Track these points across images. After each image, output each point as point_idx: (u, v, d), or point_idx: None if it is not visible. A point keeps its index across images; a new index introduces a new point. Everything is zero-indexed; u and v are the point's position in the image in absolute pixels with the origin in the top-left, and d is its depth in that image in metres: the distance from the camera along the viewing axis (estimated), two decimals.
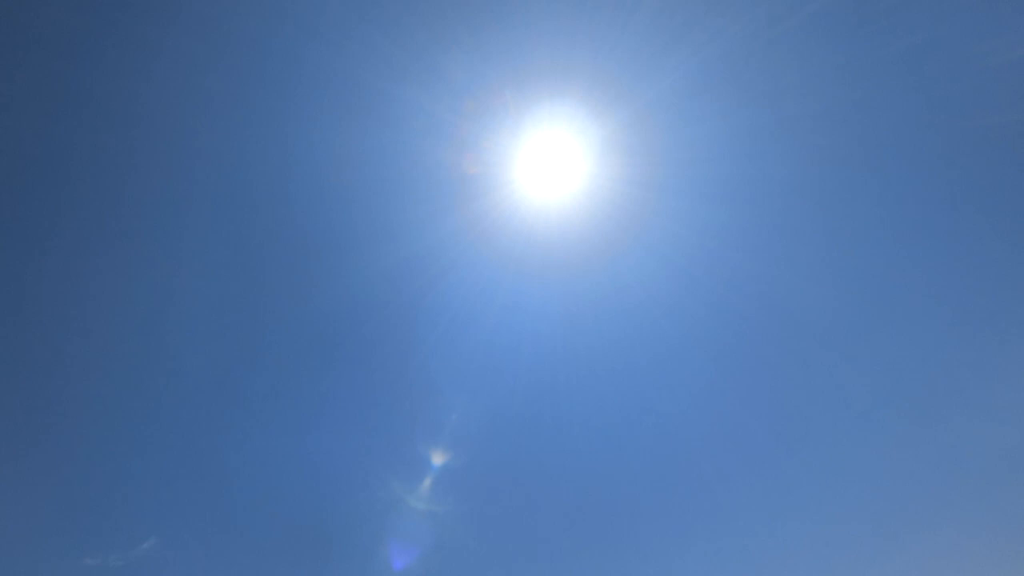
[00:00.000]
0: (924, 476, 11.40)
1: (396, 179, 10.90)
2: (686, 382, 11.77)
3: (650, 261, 10.94)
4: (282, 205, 11.37)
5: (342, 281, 11.47)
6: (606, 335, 11.64)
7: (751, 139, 10.28)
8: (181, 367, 11.78)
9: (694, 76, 9.87)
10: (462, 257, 11.14)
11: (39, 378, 11.38)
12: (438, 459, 11.82)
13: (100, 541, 11.56)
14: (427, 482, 11.85)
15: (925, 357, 11.13)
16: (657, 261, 10.93)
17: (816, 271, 10.97)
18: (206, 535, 11.80)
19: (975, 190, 10.46)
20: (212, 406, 11.97)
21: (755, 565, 11.73)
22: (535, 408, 12.10)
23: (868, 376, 11.34)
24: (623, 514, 12.17)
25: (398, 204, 11.03)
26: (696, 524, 12.11)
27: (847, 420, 11.51)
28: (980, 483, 11.25)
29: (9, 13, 9.97)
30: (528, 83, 10.01)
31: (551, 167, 10.65)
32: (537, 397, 12.04)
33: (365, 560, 11.76)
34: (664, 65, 9.84)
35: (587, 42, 9.84)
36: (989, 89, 9.79)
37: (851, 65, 9.82)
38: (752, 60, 9.73)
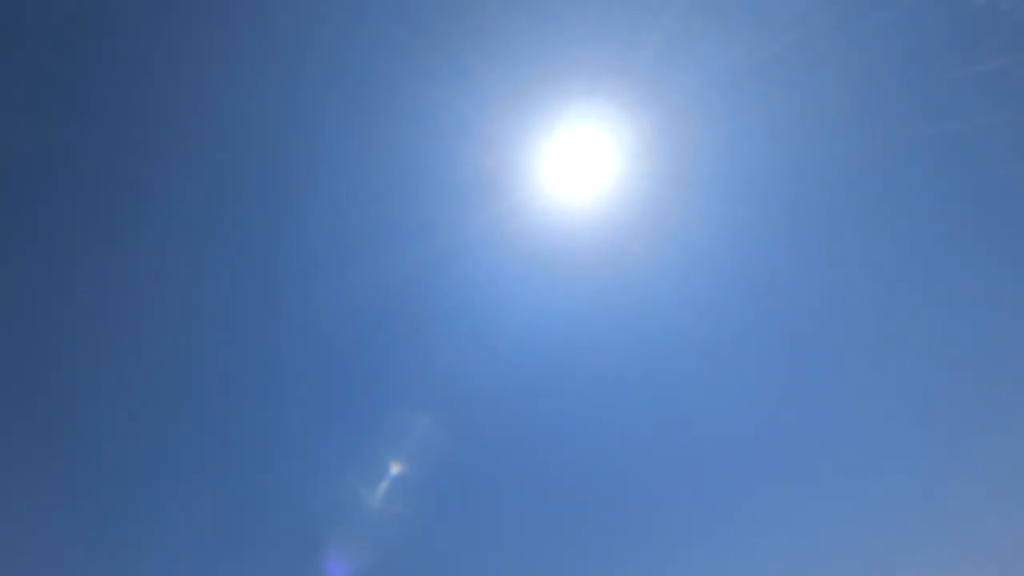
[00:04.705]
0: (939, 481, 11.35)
1: (422, 178, 10.83)
2: (712, 386, 11.68)
3: (678, 263, 10.85)
4: (298, 204, 11.33)
5: (358, 282, 11.40)
6: (627, 338, 11.54)
7: (782, 140, 10.17)
8: (180, 364, 11.78)
9: (724, 76, 9.79)
10: (484, 257, 11.09)
11: (33, 377, 11.45)
12: (438, 458, 11.82)
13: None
14: (432, 483, 11.85)
15: (943, 359, 11.08)
16: (685, 263, 10.84)
17: (850, 273, 10.89)
18: (212, 533, 11.84)
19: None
20: (215, 403, 12.00)
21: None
22: (555, 412, 12.08)
23: (906, 380, 11.26)
24: (628, 520, 12.16)
25: (423, 203, 10.96)
26: (697, 532, 12.09)
27: (879, 425, 11.44)
28: (990, 486, 11.19)
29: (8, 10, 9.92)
30: (556, 82, 9.93)
31: (579, 167, 10.51)
32: (557, 400, 12.02)
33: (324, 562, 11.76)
34: (693, 64, 9.76)
35: (616, 40, 9.76)
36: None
37: (889, 65, 9.73)
38: (783, 60, 9.65)
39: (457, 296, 11.41)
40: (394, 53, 9.97)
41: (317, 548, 11.72)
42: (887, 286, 10.97)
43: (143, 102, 10.58)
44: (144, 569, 11.68)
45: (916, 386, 11.27)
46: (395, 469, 11.77)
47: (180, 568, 11.74)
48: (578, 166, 10.52)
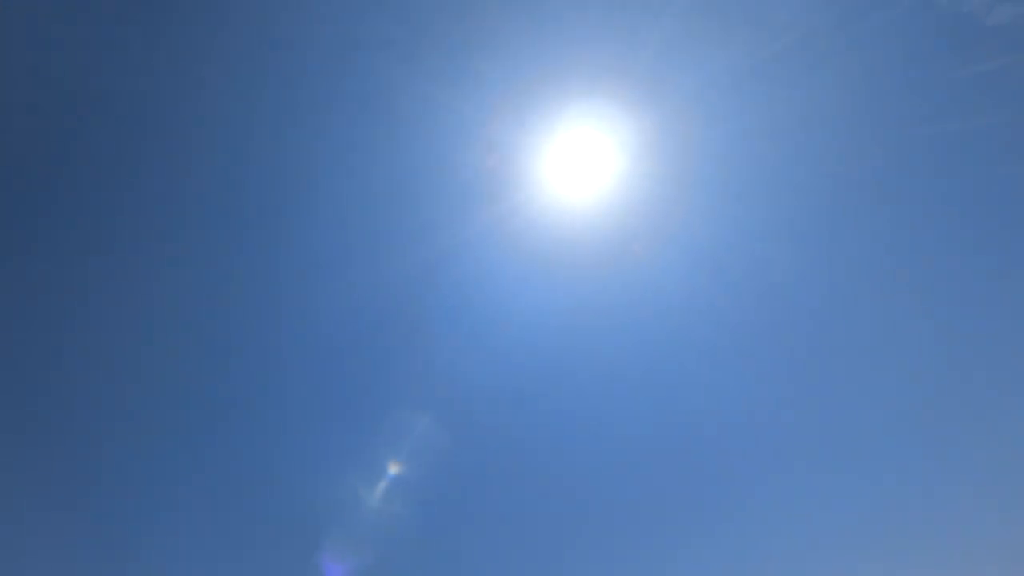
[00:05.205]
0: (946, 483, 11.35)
1: (423, 178, 10.84)
2: (712, 386, 11.68)
3: (678, 263, 10.85)
4: (298, 204, 11.32)
5: (358, 282, 11.39)
6: (627, 338, 11.55)
7: (782, 140, 10.18)
8: (181, 364, 11.76)
9: (724, 76, 9.81)
10: (484, 257, 11.10)
11: (33, 377, 11.43)
12: (438, 458, 11.81)
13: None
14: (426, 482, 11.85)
15: (942, 359, 11.10)
16: (685, 263, 10.83)
17: (850, 272, 10.91)
18: (212, 533, 11.82)
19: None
20: (216, 403, 11.99)
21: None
22: (555, 412, 12.06)
23: (906, 380, 11.27)
24: (628, 520, 12.13)
25: (424, 203, 10.97)
26: (697, 531, 12.06)
27: (879, 425, 11.44)
28: (989, 486, 11.20)
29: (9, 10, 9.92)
30: (556, 82, 9.95)
31: (579, 167, 10.52)
32: (557, 400, 12.00)
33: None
34: (693, 64, 9.78)
35: (616, 40, 9.78)
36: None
37: (889, 65, 9.74)
38: (783, 60, 9.66)
39: (457, 296, 11.42)
40: (394, 53, 9.99)
41: (316, 548, 11.72)
42: (887, 286, 10.99)
43: (144, 102, 10.59)
44: (144, 569, 11.68)
45: (916, 385, 11.27)
46: (395, 469, 11.77)
47: (180, 568, 11.74)
48: (578, 166, 10.52)
